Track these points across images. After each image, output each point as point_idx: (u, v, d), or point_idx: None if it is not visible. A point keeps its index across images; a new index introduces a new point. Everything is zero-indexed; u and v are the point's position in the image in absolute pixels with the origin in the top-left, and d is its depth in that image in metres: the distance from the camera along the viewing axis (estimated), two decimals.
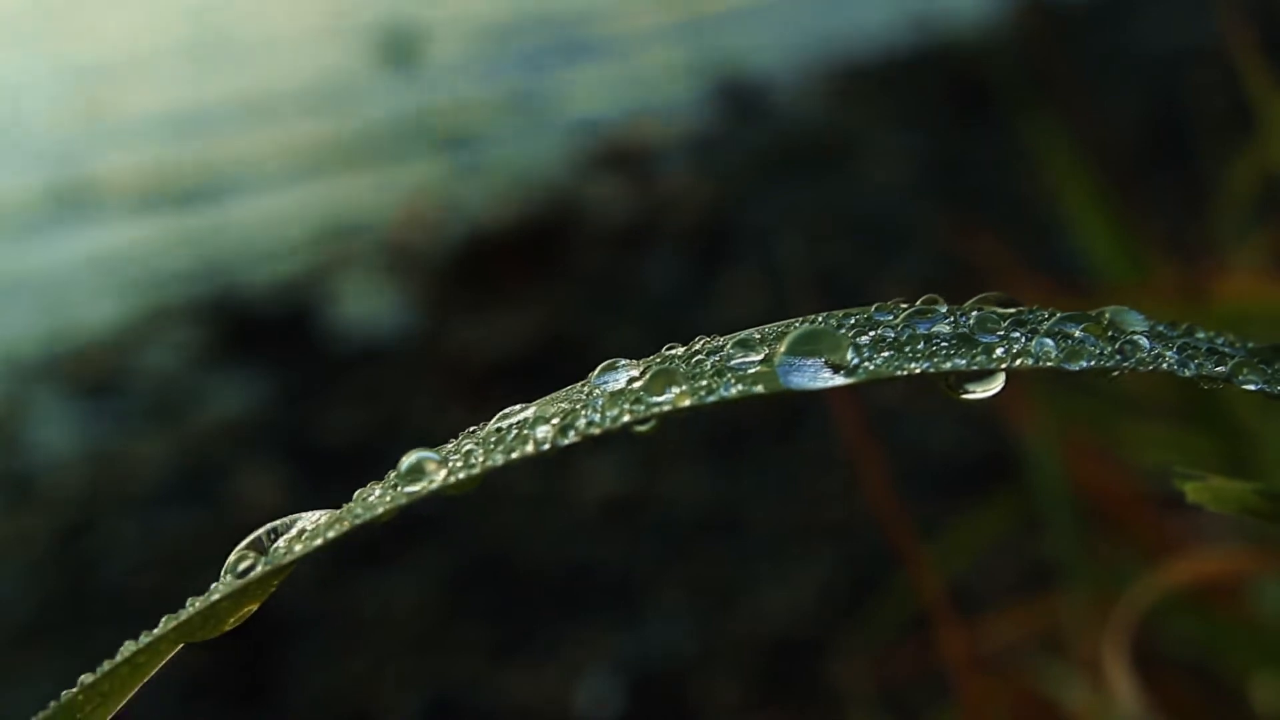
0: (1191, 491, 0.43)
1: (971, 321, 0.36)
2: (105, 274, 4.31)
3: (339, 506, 0.37)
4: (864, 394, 2.06)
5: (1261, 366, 0.37)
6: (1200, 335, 0.39)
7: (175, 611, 0.35)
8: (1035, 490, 1.33)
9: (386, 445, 3.17)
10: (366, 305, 3.97)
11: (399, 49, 5.83)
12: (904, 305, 0.37)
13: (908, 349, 0.35)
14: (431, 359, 3.56)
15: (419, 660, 2.54)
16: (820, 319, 0.36)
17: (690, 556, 2.72)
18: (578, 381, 0.37)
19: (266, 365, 3.67)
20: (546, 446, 0.33)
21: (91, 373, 3.73)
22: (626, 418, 0.33)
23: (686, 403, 0.33)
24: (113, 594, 2.81)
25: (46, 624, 2.75)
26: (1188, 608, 1.20)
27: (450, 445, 0.36)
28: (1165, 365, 0.36)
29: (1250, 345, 0.39)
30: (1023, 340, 0.36)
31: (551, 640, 2.54)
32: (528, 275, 3.95)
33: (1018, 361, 0.35)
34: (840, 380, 0.34)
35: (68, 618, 2.76)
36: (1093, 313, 0.38)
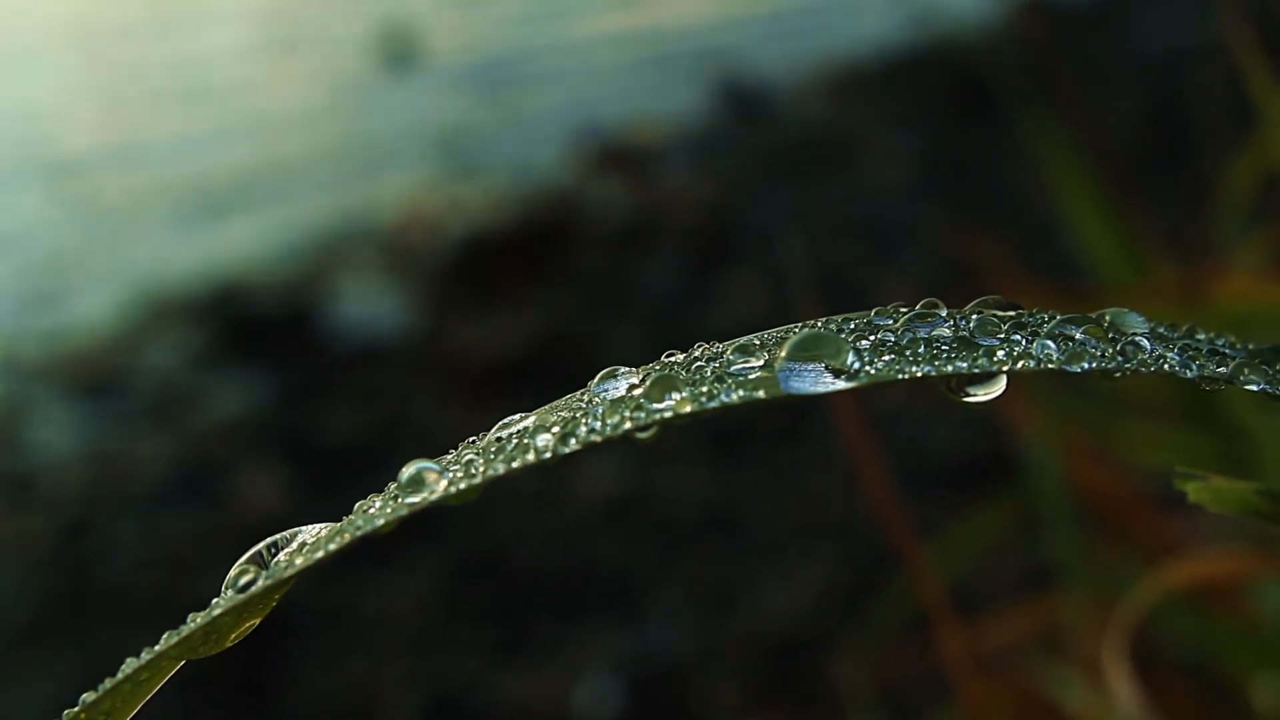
0: (1193, 492, 0.42)
1: (972, 325, 0.36)
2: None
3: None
4: (864, 395, 2.06)
5: (1263, 367, 0.37)
6: (1201, 336, 0.38)
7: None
8: (1034, 491, 1.33)
9: (387, 445, 3.17)
10: (367, 305, 3.97)
11: (398, 50, 5.83)
12: (904, 310, 0.37)
13: (909, 352, 0.35)
14: (431, 359, 3.56)
15: (419, 660, 2.54)
16: (820, 324, 0.36)
17: (690, 556, 2.72)
18: (577, 382, 0.37)
19: (267, 365, 3.67)
20: (548, 455, 0.33)
21: (91, 373, 3.72)
22: (628, 425, 0.33)
23: (688, 409, 0.33)
24: (113, 594, 2.80)
25: (46, 624, 2.75)
26: (1187, 609, 1.20)
27: (450, 455, 0.36)
28: (1167, 366, 0.36)
29: (1251, 346, 0.39)
30: (1023, 343, 0.35)
31: (551, 640, 2.54)
32: (528, 275, 3.95)
33: (1019, 364, 0.34)
34: (842, 385, 0.34)
35: (68, 618, 2.76)
36: (1093, 315, 0.38)
